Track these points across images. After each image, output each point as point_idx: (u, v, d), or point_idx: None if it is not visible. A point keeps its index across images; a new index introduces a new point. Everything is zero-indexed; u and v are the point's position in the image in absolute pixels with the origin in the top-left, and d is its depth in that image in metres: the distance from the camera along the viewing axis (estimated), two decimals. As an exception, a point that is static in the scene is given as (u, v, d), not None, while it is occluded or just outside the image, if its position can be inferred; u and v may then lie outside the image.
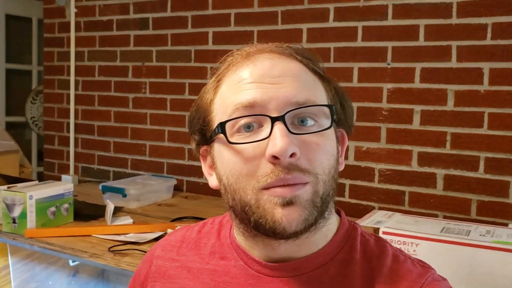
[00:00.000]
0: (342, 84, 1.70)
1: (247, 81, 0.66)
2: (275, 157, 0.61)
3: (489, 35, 1.61)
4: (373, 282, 0.66)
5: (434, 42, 1.68)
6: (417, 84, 1.72)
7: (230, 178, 0.66)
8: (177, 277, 0.75)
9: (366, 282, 0.66)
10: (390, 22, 1.74)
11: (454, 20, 1.65)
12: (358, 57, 1.81)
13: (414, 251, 1.15)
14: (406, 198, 1.76)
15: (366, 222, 1.27)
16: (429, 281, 0.65)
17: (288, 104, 0.63)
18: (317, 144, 0.63)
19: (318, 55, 0.72)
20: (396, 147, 1.76)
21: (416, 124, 1.73)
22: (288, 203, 0.61)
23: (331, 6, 1.85)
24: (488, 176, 1.64)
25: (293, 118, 0.64)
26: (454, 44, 1.66)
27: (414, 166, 1.74)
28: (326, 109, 0.66)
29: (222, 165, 0.68)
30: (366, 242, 0.70)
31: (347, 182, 1.85)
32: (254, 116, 0.64)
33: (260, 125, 0.64)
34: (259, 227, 0.64)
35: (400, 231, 1.17)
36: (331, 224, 0.69)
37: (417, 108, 1.72)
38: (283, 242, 0.65)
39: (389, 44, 1.75)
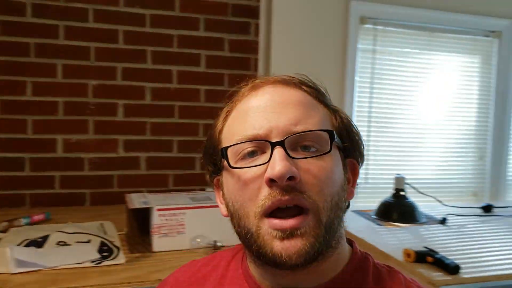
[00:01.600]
0: (46, 80, 1.82)
1: (251, 111, 0.67)
2: (273, 180, 0.61)
3: (175, 44, 2.02)
4: None
5: (132, 46, 1.97)
6: (119, 81, 1.97)
7: (234, 204, 0.66)
8: None
9: None
10: (91, 24, 1.93)
11: (148, 29, 1.98)
12: (61, 54, 1.91)
13: (182, 219, 1.47)
14: (115, 181, 2.01)
15: (135, 205, 1.48)
16: None
17: (288, 131, 0.64)
18: (319, 170, 0.63)
19: (324, 85, 0.75)
20: (104, 137, 1.98)
21: (120, 116, 1.99)
22: (288, 236, 0.61)
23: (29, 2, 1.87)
24: (180, 155, 2.08)
25: (296, 145, 0.64)
26: (149, 49, 1.99)
27: (121, 153, 2.01)
28: (335, 135, 0.67)
29: (228, 191, 0.68)
30: (379, 272, 0.70)
31: (57, 174, 1.95)
32: (255, 141, 0.65)
33: (263, 152, 0.65)
34: (260, 257, 0.64)
35: (169, 205, 1.46)
36: (340, 254, 0.69)
37: (121, 102, 1.98)
38: (289, 272, 0.64)
39: (92, 45, 1.93)
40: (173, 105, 2.05)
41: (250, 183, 0.64)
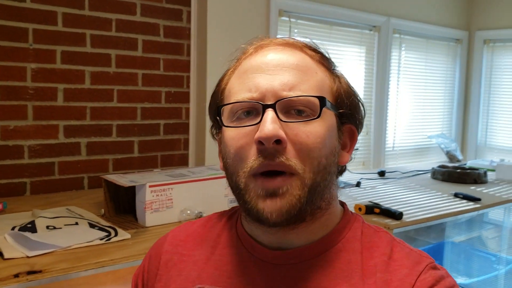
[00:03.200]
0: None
1: (250, 71, 0.69)
2: (261, 143, 0.63)
3: (114, 28, 2.03)
4: (373, 270, 0.67)
5: (72, 29, 1.93)
6: (59, 65, 1.91)
7: (228, 160, 0.69)
8: (183, 270, 0.76)
9: (366, 270, 0.67)
10: (29, 4, 1.84)
11: (87, 12, 1.96)
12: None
13: (170, 194, 1.54)
14: (56, 168, 1.95)
15: (125, 184, 1.50)
16: (427, 269, 0.66)
17: (281, 95, 0.66)
18: (307, 134, 0.65)
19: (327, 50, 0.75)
20: (44, 123, 1.90)
21: (60, 101, 1.93)
22: (270, 195, 0.64)
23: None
24: (119, 139, 2.09)
25: (289, 108, 0.66)
26: (88, 32, 1.97)
27: (61, 138, 1.95)
28: (326, 101, 0.68)
29: (223, 148, 0.71)
30: (367, 232, 0.73)
31: (-6, 163, 1.83)
32: (247, 102, 0.67)
33: (257, 113, 0.66)
34: (248, 211, 0.67)
35: (159, 181, 1.52)
36: (331, 214, 0.72)
37: (60, 86, 1.93)
38: (278, 230, 0.68)
39: (30, 26, 1.85)
40: (112, 89, 2.05)
41: (241, 142, 0.66)
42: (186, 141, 2.30)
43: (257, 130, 0.64)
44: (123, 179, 1.57)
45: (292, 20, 2.47)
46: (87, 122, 2.01)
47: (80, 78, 1.97)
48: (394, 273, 0.66)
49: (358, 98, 0.75)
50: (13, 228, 1.38)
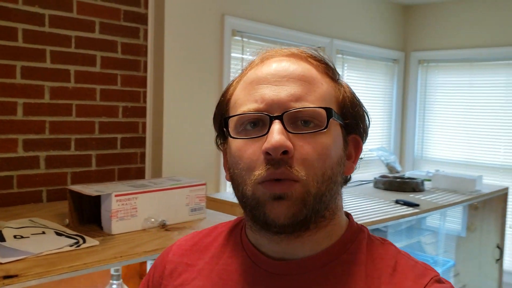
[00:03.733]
0: None
1: (256, 83, 0.70)
2: (268, 153, 0.64)
3: (73, 44, 2.08)
4: (377, 282, 0.67)
5: (32, 45, 1.97)
6: (19, 80, 1.95)
7: (234, 170, 0.70)
8: (188, 279, 0.77)
9: (371, 283, 0.67)
10: (-11, 21, 1.87)
11: (47, 29, 2.01)
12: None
13: (135, 203, 1.61)
14: (15, 181, 1.97)
15: (92, 193, 1.56)
16: (432, 283, 0.66)
17: (288, 106, 0.67)
18: (314, 145, 0.66)
19: (332, 59, 0.77)
20: (3, 136, 1.92)
21: (20, 115, 1.96)
22: (278, 198, 0.65)
23: None
24: (77, 153, 2.13)
25: (296, 119, 0.67)
26: (48, 48, 2.01)
27: (20, 152, 1.97)
28: (333, 113, 0.68)
29: (229, 158, 0.72)
30: (372, 244, 0.72)
31: (-48, 176, 1.83)
32: (254, 114, 0.68)
33: (264, 124, 0.67)
34: (255, 218, 0.68)
35: (124, 191, 1.59)
36: (336, 225, 0.72)
37: (20, 101, 1.96)
38: (283, 237, 0.68)
39: (-10, 42, 1.88)
40: (71, 104, 2.10)
41: (248, 153, 0.67)
42: (143, 155, 2.37)
43: (264, 141, 0.65)
44: (88, 189, 1.62)
45: (244, 39, 2.61)
46: (46, 136, 2.04)
47: (40, 93, 2.01)
48: (398, 285, 0.66)
49: (363, 108, 0.76)
50: (-19, 237, 1.41)
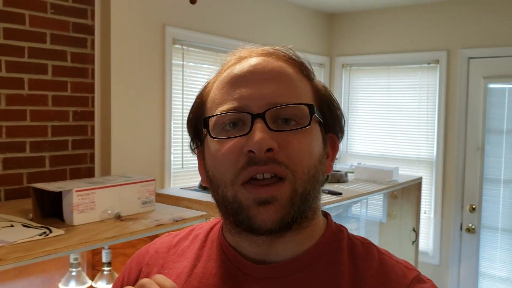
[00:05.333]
0: None
1: (234, 82, 0.69)
2: (251, 152, 0.62)
3: (26, 54, 2.25)
4: (360, 283, 0.66)
5: (-13, 55, 2.13)
6: (-24, 88, 2.10)
7: (214, 172, 0.68)
8: None
9: (353, 283, 0.66)
10: None
11: (2, 41, 2.16)
12: None
13: (93, 197, 1.81)
14: (-26, 182, 2.11)
15: (54, 189, 1.75)
16: (414, 283, 0.66)
17: (269, 103, 0.65)
18: (298, 142, 0.65)
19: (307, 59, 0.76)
20: (-38, 141, 2.07)
21: (-23, 121, 2.11)
22: (264, 202, 0.63)
23: None
24: (32, 155, 2.30)
25: (277, 118, 0.66)
26: (3, 58, 2.17)
27: (-21, 155, 2.12)
28: (314, 109, 0.67)
29: (208, 159, 0.70)
30: (353, 244, 0.72)
31: None
32: (236, 113, 0.66)
33: (244, 123, 0.66)
34: (237, 222, 0.66)
35: (84, 187, 1.79)
36: (316, 225, 0.71)
37: (-22, 107, 2.11)
38: (265, 239, 0.67)
39: (-51, 53, 2.02)
40: (26, 110, 2.26)
41: (229, 153, 0.65)
42: (92, 155, 2.56)
43: (245, 140, 0.64)
44: (50, 186, 1.82)
45: (184, 47, 2.85)
46: (3, 140, 2.19)
47: (-4, 100, 2.16)
48: (381, 286, 0.66)
49: (339, 108, 0.75)
50: (-44, 231, 1.58)
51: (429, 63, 3.75)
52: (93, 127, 2.55)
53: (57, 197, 1.83)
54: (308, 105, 0.67)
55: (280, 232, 0.65)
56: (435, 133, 3.74)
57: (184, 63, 2.86)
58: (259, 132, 0.63)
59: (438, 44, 3.68)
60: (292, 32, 3.85)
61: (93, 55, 2.52)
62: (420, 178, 3.56)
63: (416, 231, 3.61)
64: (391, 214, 3.78)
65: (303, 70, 0.73)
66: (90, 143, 2.54)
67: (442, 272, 3.79)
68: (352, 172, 3.38)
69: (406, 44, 3.85)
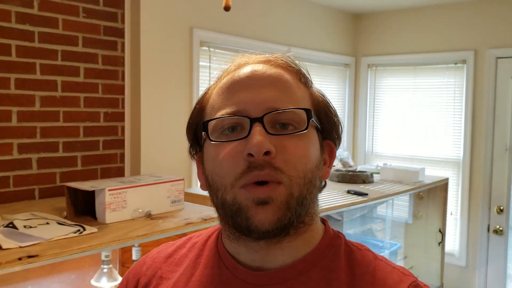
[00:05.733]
0: None
1: (234, 87, 0.70)
2: (250, 155, 0.63)
3: (59, 57, 2.32)
4: None
5: (24, 59, 2.20)
6: (13, 90, 2.17)
7: (214, 176, 0.68)
8: None
9: None
10: (-14, 38, 2.09)
11: (37, 44, 2.24)
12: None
13: (125, 196, 1.87)
14: (11, 181, 2.19)
15: (88, 189, 1.81)
16: None
17: (267, 108, 0.66)
18: (295, 147, 0.66)
19: (305, 66, 0.77)
20: (0, 141, 2.15)
21: (14, 122, 2.19)
22: (262, 202, 0.64)
23: None
24: (65, 154, 2.37)
25: (275, 123, 0.67)
26: (38, 61, 2.25)
27: (15, 155, 2.20)
28: (312, 114, 0.69)
29: (207, 164, 0.71)
30: (350, 250, 0.72)
31: (-45, 178, 2.04)
32: (234, 117, 0.67)
33: (243, 127, 0.67)
34: (236, 225, 0.67)
35: (116, 186, 1.85)
36: (314, 231, 0.72)
37: (14, 109, 2.18)
38: (263, 245, 0.67)
39: (-13, 57, 2.10)
40: (59, 111, 2.34)
41: (229, 157, 0.66)
42: (122, 155, 2.62)
43: (244, 144, 0.65)
44: (84, 185, 1.88)
45: (211, 49, 2.90)
46: (38, 140, 2.27)
47: (31, 102, 2.24)
48: None
49: (336, 115, 0.77)
50: (-2, 227, 1.66)
51: (456, 63, 3.72)
52: (123, 128, 2.61)
53: (90, 196, 1.90)
54: (306, 110, 0.69)
55: (277, 235, 0.66)
56: (462, 134, 3.71)
57: (211, 64, 2.90)
58: (257, 135, 0.64)
59: (465, 43, 3.65)
60: (317, 32, 3.87)
61: (123, 58, 2.58)
62: (447, 179, 3.54)
63: (442, 232, 3.59)
64: (417, 215, 3.76)
65: (301, 77, 0.74)
66: (120, 143, 2.61)
67: (468, 274, 3.76)
68: (378, 173, 3.38)
69: (433, 44, 3.82)
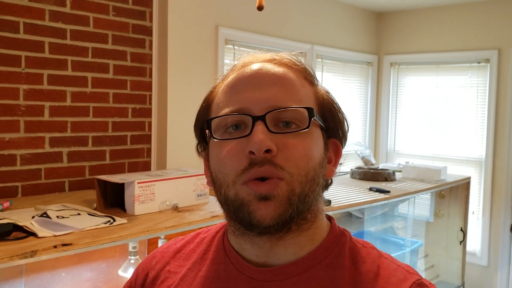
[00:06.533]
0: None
1: (238, 85, 0.71)
2: (252, 153, 0.64)
3: (90, 54, 2.40)
4: (360, 286, 0.67)
5: (56, 56, 2.28)
6: (46, 86, 2.25)
7: (217, 173, 0.70)
8: (170, 287, 0.77)
9: (353, 287, 0.67)
10: (22, 36, 2.17)
11: (69, 41, 2.32)
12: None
13: (153, 189, 1.93)
14: (43, 173, 2.27)
15: (118, 181, 1.88)
16: (414, 286, 0.66)
17: (270, 106, 0.67)
18: (296, 145, 0.66)
19: (310, 65, 0.79)
20: (33, 135, 2.23)
21: (46, 116, 2.27)
22: (263, 198, 0.65)
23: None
24: (94, 148, 2.45)
25: (278, 121, 0.67)
26: (69, 58, 2.32)
27: (47, 148, 2.28)
28: (314, 113, 0.69)
29: (212, 161, 0.72)
30: (354, 247, 0.72)
31: (-9, 169, 2.13)
32: (237, 115, 0.68)
33: (246, 125, 0.68)
34: (238, 219, 0.68)
35: (144, 179, 1.91)
36: (318, 228, 0.72)
37: (47, 104, 2.27)
38: (266, 240, 0.68)
39: (22, 54, 2.18)
40: (89, 106, 2.41)
41: (231, 154, 0.67)
42: (149, 150, 2.69)
43: (246, 142, 0.66)
44: (113, 178, 1.95)
45: (235, 47, 2.95)
46: (68, 134, 2.35)
47: (63, 97, 2.32)
48: None
49: (342, 113, 0.76)
50: (33, 217, 1.73)
51: (479, 62, 3.71)
52: (150, 123, 2.68)
53: (120, 188, 1.96)
54: (308, 108, 0.69)
55: (279, 230, 0.67)
56: (485, 133, 3.70)
57: (236, 62, 2.95)
58: (259, 133, 0.65)
59: (489, 42, 3.64)
60: (340, 31, 3.89)
61: (151, 55, 2.65)
62: (469, 178, 3.54)
63: (464, 231, 3.59)
64: (438, 214, 3.76)
65: (306, 75, 0.75)
66: (148, 139, 2.68)
67: (490, 274, 3.75)
68: (400, 171, 3.39)
69: (456, 43, 3.82)
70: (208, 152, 0.75)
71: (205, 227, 0.87)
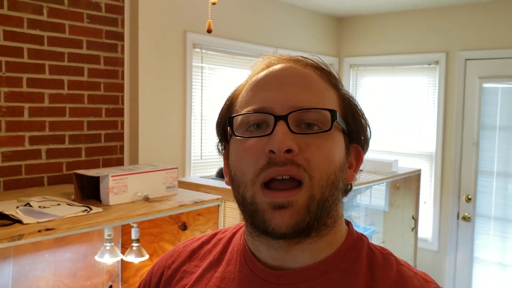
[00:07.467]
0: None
1: (261, 85, 0.70)
2: (272, 152, 0.63)
3: (66, 59, 2.59)
4: None
5: (34, 61, 2.47)
6: (25, 88, 2.44)
7: (236, 171, 0.69)
8: (186, 287, 0.77)
9: None
10: (2, 42, 2.36)
11: (46, 47, 2.51)
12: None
13: (126, 181, 2.15)
14: (23, 169, 2.47)
15: (93, 172, 2.09)
16: None
17: (293, 106, 0.66)
18: (318, 147, 0.65)
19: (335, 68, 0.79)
20: (14, 134, 2.42)
21: (26, 117, 2.46)
22: (279, 206, 0.63)
23: None
24: (70, 146, 2.65)
25: (300, 122, 0.66)
26: (47, 63, 2.52)
27: (27, 146, 2.47)
28: (337, 115, 0.67)
29: (231, 158, 0.71)
30: (372, 253, 0.71)
31: (-25, 166, 2.31)
32: (260, 113, 0.67)
33: (268, 125, 0.67)
34: (254, 224, 0.67)
35: (118, 173, 2.13)
36: (336, 233, 0.70)
37: (26, 105, 2.46)
38: (282, 244, 0.67)
39: (3, 59, 2.36)
40: (65, 107, 2.61)
41: (251, 152, 0.66)
42: (122, 147, 2.90)
43: (267, 141, 0.65)
44: (90, 172, 2.16)
45: (203, 51, 3.18)
46: (46, 133, 2.54)
47: (41, 99, 2.51)
48: None
49: (365, 119, 0.75)
50: (17, 207, 1.93)
51: (429, 64, 4.02)
52: (122, 122, 2.89)
53: (95, 181, 2.18)
54: (330, 111, 0.68)
55: (296, 237, 0.66)
56: (435, 129, 4.01)
57: (203, 65, 3.19)
58: (280, 133, 0.64)
59: (438, 46, 3.95)
60: (303, 35, 4.15)
61: (123, 59, 2.85)
62: (419, 170, 3.83)
63: (415, 219, 3.89)
64: (394, 204, 4.06)
65: (331, 78, 0.74)
66: (120, 136, 2.89)
67: (440, 258, 4.07)
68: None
69: (409, 46, 4.12)
70: (229, 151, 0.74)
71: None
